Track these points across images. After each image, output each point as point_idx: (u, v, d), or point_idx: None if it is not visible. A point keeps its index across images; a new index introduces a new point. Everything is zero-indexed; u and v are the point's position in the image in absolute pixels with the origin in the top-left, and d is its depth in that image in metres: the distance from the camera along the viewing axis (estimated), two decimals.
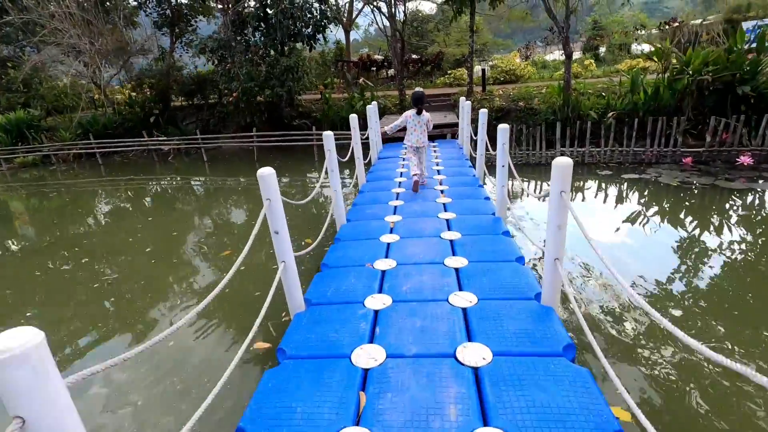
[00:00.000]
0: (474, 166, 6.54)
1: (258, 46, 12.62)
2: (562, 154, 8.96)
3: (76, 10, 14.90)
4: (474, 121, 8.41)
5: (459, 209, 4.49)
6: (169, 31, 16.96)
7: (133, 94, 15.84)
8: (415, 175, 5.25)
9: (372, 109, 7.59)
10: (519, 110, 10.94)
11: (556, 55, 25.65)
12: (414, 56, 20.83)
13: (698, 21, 17.38)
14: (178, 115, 15.95)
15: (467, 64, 12.37)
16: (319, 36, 13.85)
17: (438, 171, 6.26)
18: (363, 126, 7.64)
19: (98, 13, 15.48)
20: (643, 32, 21.22)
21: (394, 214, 4.54)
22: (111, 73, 17.47)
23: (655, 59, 9.65)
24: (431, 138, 9.95)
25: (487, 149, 6.18)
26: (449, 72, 18.18)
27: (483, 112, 6.09)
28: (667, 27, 17.31)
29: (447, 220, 4.20)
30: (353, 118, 6.19)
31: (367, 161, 7.16)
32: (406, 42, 25.72)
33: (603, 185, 7.85)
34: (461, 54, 22.30)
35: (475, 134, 6.83)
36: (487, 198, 4.92)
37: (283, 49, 12.84)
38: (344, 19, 19.84)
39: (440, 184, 5.54)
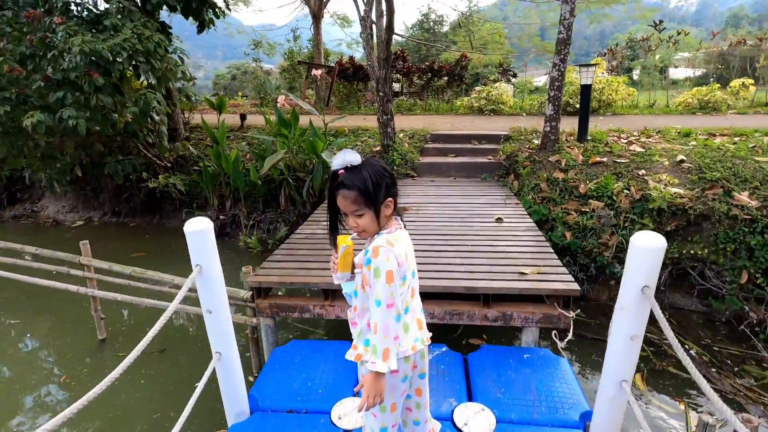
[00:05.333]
0: None
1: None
2: None
3: None
4: None
5: None
6: None
7: None
8: None
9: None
10: (742, 221, 3.35)
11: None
12: (421, 66, 13.21)
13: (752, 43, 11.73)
14: None
15: (556, 72, 4.80)
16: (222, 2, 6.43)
17: None
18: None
19: None
20: (686, 54, 16.44)
21: None
22: None
23: None
24: (440, 337, 2.43)
25: None
26: (477, 89, 10.65)
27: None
28: (714, 49, 13.26)
29: None
30: None
31: None
32: (409, 39, 18.10)
33: None
34: (491, 63, 14.77)
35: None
36: None
37: (101, 20, 5.29)
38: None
39: None
